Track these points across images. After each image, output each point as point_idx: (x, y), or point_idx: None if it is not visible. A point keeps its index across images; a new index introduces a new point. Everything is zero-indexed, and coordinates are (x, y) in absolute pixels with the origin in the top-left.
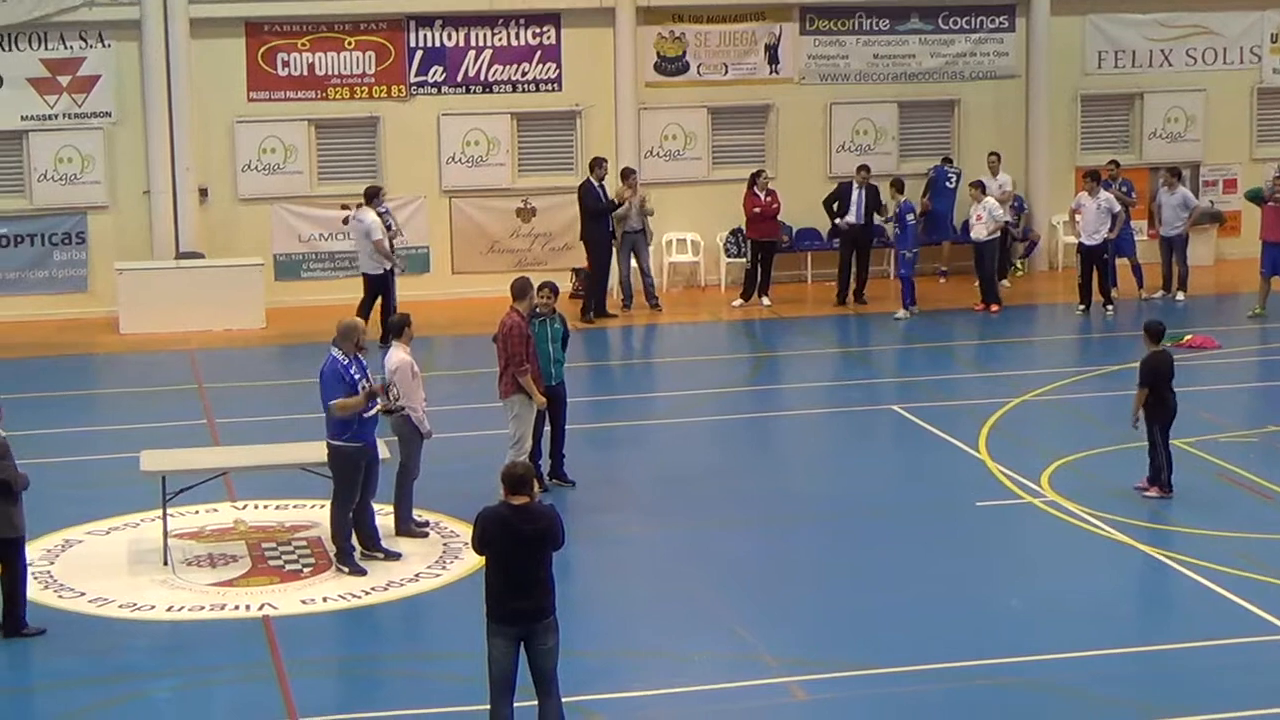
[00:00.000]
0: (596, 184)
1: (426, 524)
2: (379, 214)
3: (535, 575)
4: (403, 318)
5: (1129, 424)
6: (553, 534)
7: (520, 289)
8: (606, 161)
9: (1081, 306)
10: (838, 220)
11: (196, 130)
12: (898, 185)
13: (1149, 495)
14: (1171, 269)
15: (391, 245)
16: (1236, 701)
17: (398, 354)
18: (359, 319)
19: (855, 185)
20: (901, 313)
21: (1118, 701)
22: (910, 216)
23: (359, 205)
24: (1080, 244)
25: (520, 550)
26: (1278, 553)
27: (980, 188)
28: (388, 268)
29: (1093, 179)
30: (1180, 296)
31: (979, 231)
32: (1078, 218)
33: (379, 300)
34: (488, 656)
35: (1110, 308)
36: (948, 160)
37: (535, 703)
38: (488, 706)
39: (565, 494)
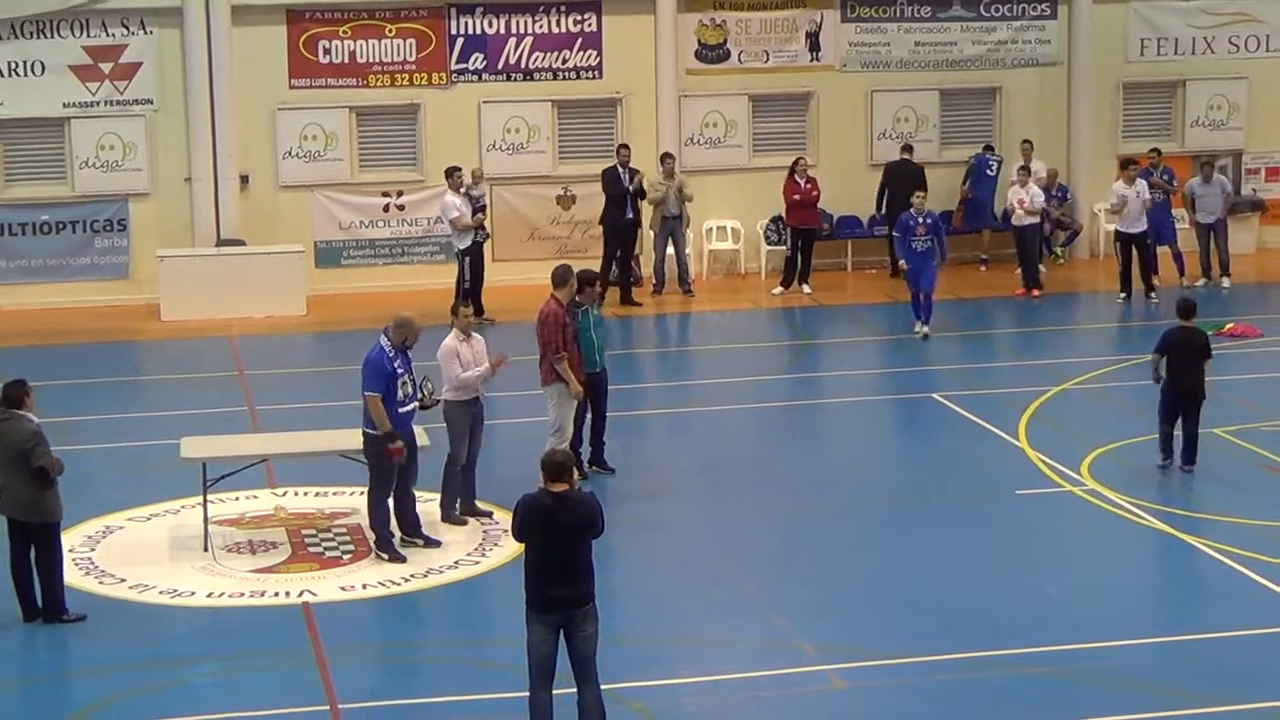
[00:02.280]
0: (621, 168)
1: (489, 514)
2: (468, 195)
3: (575, 563)
4: (455, 307)
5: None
6: (592, 522)
7: (561, 277)
8: (628, 147)
9: (1123, 295)
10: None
11: (238, 117)
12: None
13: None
14: (1210, 257)
15: (480, 224)
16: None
17: (447, 339)
18: (415, 317)
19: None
20: (924, 328)
21: (1159, 690)
22: (943, 229)
23: (400, 193)
24: (1118, 231)
25: (559, 538)
26: None
27: (1026, 172)
28: (464, 246)
29: (1131, 166)
30: (1226, 282)
31: (1019, 216)
32: (1112, 204)
33: (471, 274)
34: (527, 643)
35: (1154, 296)
36: (989, 148)
37: (575, 690)
38: (527, 693)
39: (605, 481)
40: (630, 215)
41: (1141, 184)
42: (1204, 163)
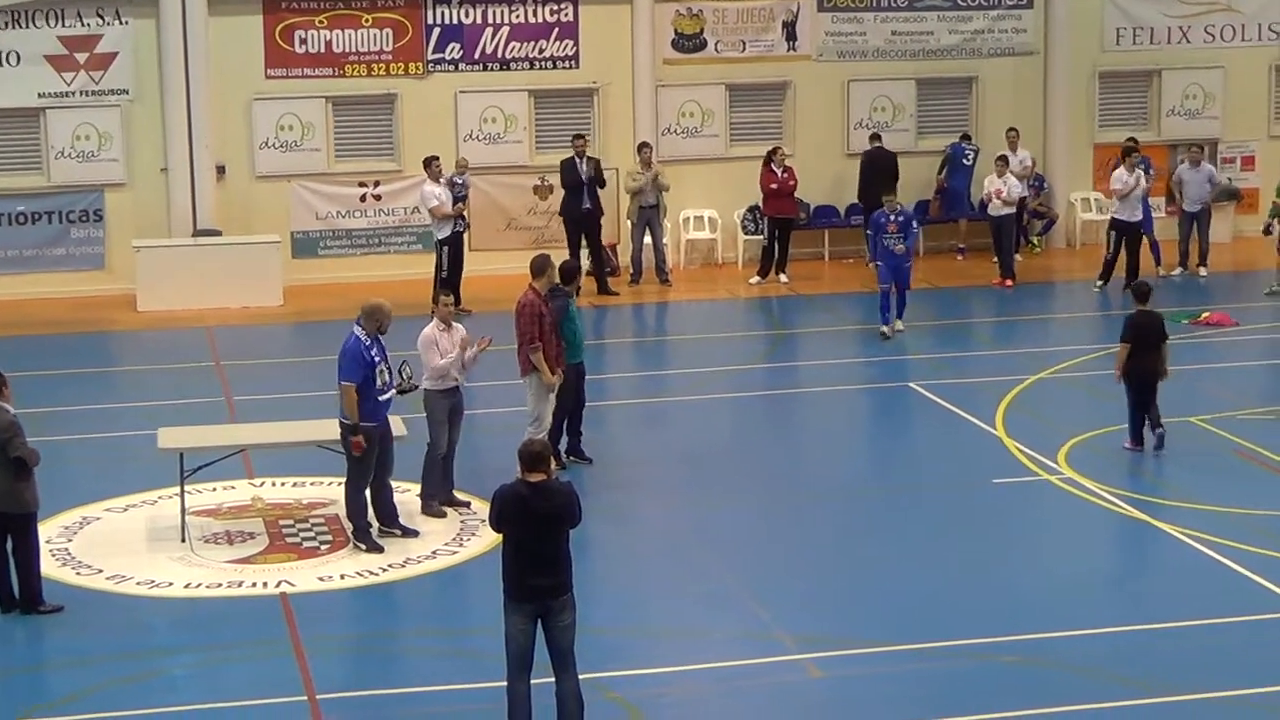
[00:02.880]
0: (578, 158)
1: (467, 504)
2: (452, 183)
3: (552, 552)
4: (435, 296)
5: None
6: (569, 511)
7: (539, 267)
8: (583, 137)
9: (1100, 283)
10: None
11: (214, 107)
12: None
13: (1128, 448)
14: (1190, 245)
15: (460, 214)
16: (1255, 678)
17: (426, 328)
18: (383, 301)
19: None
20: (900, 324)
21: (1134, 679)
22: (915, 225)
23: (376, 183)
24: (1114, 219)
25: (536, 527)
26: None
27: (1004, 162)
28: (441, 236)
29: (1134, 154)
30: (1203, 271)
31: (996, 206)
32: (1116, 191)
33: (450, 264)
34: (505, 633)
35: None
36: (966, 137)
37: (553, 679)
38: (505, 683)
39: (582, 472)
40: (588, 205)
41: (1140, 172)
42: (1191, 148)
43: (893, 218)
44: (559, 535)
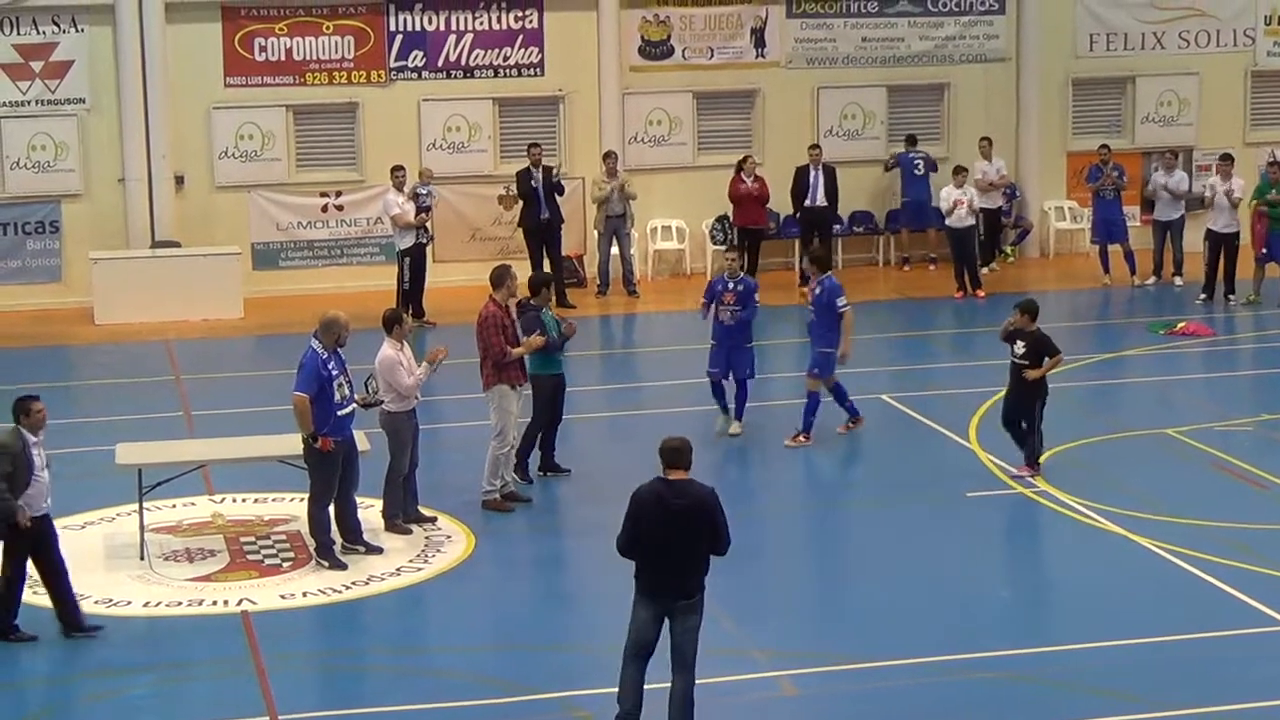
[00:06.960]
0: (533, 168)
1: (434, 520)
2: (417, 194)
3: (683, 552)
4: (393, 314)
5: (1036, 388)
6: (702, 512)
7: (498, 277)
8: (538, 146)
9: (1204, 296)
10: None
11: (172, 117)
12: (819, 260)
13: (1025, 475)
14: (1164, 254)
15: (423, 224)
16: (1231, 694)
17: (385, 350)
18: (339, 313)
19: (811, 167)
20: (737, 427)
21: (1111, 694)
22: (842, 300)
23: (338, 193)
24: (1209, 230)
25: (670, 525)
26: (1272, 543)
27: (965, 171)
28: (403, 246)
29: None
30: (1178, 280)
31: (960, 217)
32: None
33: (411, 276)
34: (630, 624)
35: (1231, 297)
36: (911, 140)
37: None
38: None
39: (556, 485)
40: (546, 215)
41: (1180, 174)
42: (1167, 154)
43: (732, 285)
44: (692, 535)
